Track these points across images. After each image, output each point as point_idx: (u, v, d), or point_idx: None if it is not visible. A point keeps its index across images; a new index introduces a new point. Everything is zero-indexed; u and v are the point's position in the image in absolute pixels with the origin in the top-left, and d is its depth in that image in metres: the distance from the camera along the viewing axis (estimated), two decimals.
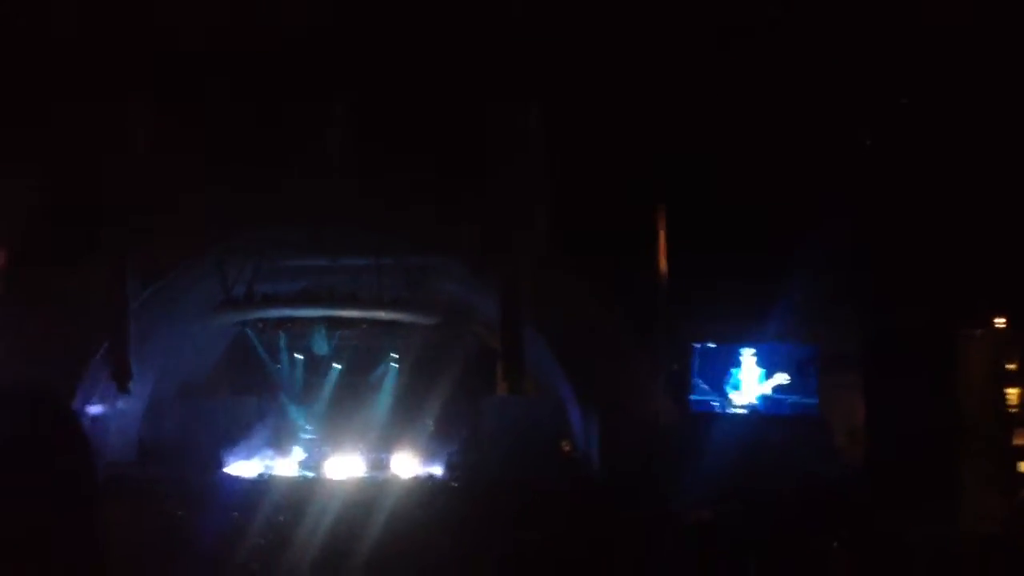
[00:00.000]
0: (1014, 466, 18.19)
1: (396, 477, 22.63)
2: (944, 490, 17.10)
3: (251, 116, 19.68)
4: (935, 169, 18.10)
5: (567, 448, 23.30)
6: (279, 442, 25.10)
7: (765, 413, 20.89)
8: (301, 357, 26.55)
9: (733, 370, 21.13)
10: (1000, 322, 19.29)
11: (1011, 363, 19.30)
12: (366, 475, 22.81)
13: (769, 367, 21.01)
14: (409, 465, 23.53)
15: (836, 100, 18.72)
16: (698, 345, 21.34)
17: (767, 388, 20.95)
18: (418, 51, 18.77)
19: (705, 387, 21.23)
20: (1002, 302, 19.09)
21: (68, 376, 21.02)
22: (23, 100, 18.66)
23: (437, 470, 22.97)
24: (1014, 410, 19.01)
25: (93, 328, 20.59)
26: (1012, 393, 19.15)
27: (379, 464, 23.64)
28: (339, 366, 26.88)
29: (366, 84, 19.61)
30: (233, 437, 24.39)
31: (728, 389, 21.13)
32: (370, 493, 19.62)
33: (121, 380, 20.72)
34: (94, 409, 22.63)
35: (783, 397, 20.88)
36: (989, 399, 18.51)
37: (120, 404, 23.37)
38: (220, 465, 23.01)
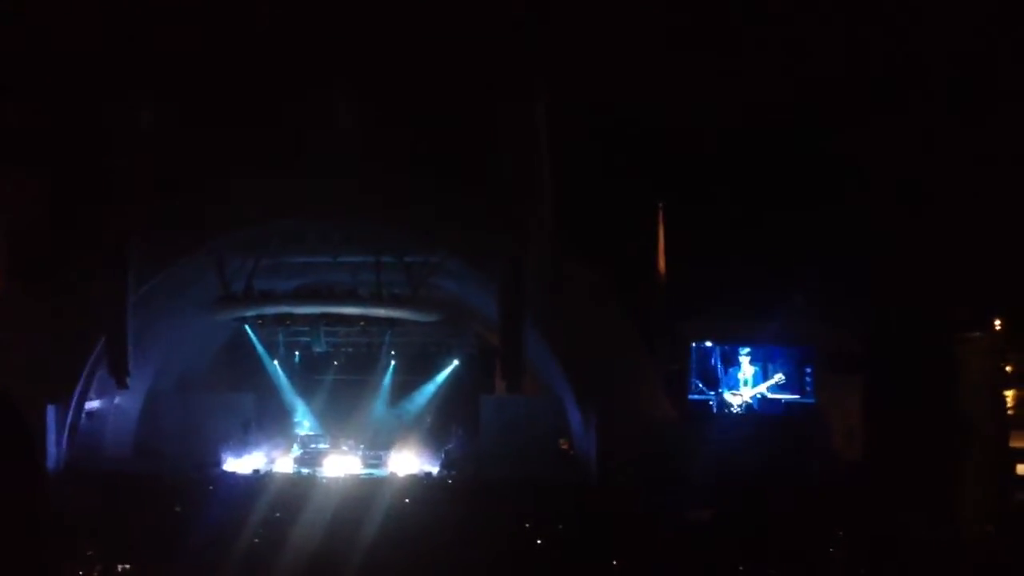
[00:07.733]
0: (1011, 468, 18.16)
1: (393, 474, 22.60)
2: (941, 490, 17.09)
3: (253, 111, 19.65)
4: (934, 173, 18.09)
5: (565, 446, 23.28)
6: (276, 439, 25.05)
7: (761, 413, 20.91)
8: (299, 354, 26.59)
9: (731, 370, 21.13)
10: (999, 325, 19.28)
11: (1009, 365, 19.30)
12: (363, 472, 22.77)
13: (766, 367, 21.03)
14: (406, 462, 23.49)
15: (834, 103, 18.72)
16: (695, 345, 21.36)
17: (764, 388, 20.97)
18: (423, 46, 18.75)
19: (702, 387, 21.24)
20: (1001, 305, 19.08)
21: (66, 370, 21.07)
22: (26, 96, 18.67)
23: (434, 468, 22.94)
24: (1012, 412, 19.01)
25: (92, 322, 20.53)
26: (1010, 395, 19.14)
27: (376, 461, 23.61)
28: (337, 363, 26.93)
29: (369, 80, 19.59)
30: (231, 433, 24.37)
31: (725, 389, 21.14)
32: (366, 490, 19.62)
33: (119, 375, 20.65)
34: (92, 404, 22.63)
35: (779, 397, 20.91)
36: (987, 401, 18.48)
37: (117, 399, 23.40)
38: (218, 461, 23.00)
